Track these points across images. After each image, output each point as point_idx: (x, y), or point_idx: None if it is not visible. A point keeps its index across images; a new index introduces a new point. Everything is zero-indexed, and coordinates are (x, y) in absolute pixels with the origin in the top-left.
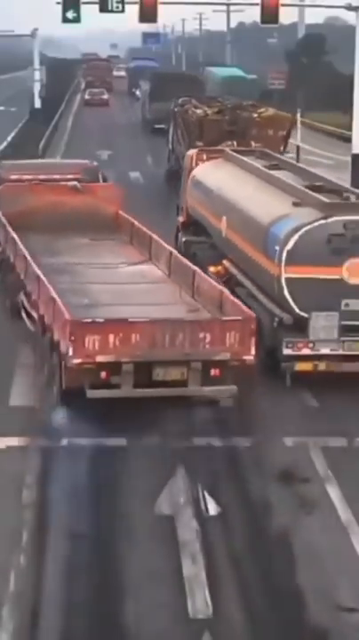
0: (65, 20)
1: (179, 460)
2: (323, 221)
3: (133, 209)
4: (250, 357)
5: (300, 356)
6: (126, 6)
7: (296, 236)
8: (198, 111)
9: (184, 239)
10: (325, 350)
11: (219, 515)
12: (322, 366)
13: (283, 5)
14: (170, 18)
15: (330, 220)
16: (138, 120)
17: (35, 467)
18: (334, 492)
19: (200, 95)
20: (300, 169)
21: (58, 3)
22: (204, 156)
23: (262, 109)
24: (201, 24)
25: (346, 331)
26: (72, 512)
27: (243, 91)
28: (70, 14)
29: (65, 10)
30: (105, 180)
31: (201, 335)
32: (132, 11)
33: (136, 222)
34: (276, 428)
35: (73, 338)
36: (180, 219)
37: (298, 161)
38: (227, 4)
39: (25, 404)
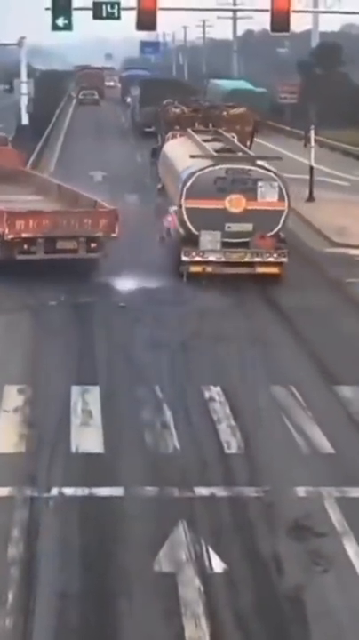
0: (55, 27)
1: (181, 511)
2: (211, 168)
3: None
4: (114, 234)
5: (193, 262)
6: (122, 12)
7: (192, 178)
8: (176, 110)
9: (157, 201)
10: (212, 258)
11: (225, 572)
12: (209, 269)
13: (294, 12)
14: (170, 25)
15: (216, 167)
16: (129, 131)
17: (22, 519)
18: (352, 549)
19: (184, 98)
20: (228, 139)
21: (47, 9)
22: (172, 136)
23: (234, 109)
24: (204, 32)
25: (227, 245)
26: (62, 568)
27: (250, 105)
28: (61, 21)
29: (55, 17)
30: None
31: (85, 220)
32: (129, 17)
33: (39, 174)
34: (287, 476)
35: (8, 222)
36: (158, 185)
37: (311, 184)
38: (234, 10)
39: (10, 450)
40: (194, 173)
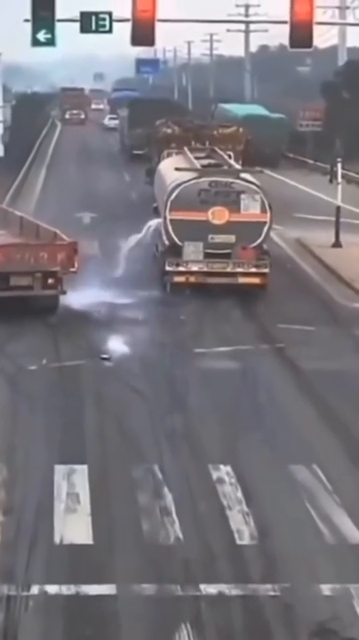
0: (35, 42)
1: (184, 613)
2: (195, 180)
3: None
4: (73, 269)
5: (177, 272)
6: (115, 25)
7: (176, 190)
8: (168, 130)
9: (151, 221)
10: (195, 268)
11: None
12: (192, 279)
13: (318, 24)
14: (171, 40)
15: (200, 179)
16: (119, 157)
17: None
18: None
19: (181, 118)
20: (220, 156)
21: (26, 20)
22: (167, 154)
23: (225, 128)
24: (212, 48)
25: (210, 256)
26: None
27: (266, 133)
28: (42, 35)
29: (35, 30)
30: None
31: (41, 254)
32: (123, 31)
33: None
34: (309, 571)
35: None
36: (154, 205)
37: (337, 226)
38: (246, 22)
39: None
40: (178, 185)
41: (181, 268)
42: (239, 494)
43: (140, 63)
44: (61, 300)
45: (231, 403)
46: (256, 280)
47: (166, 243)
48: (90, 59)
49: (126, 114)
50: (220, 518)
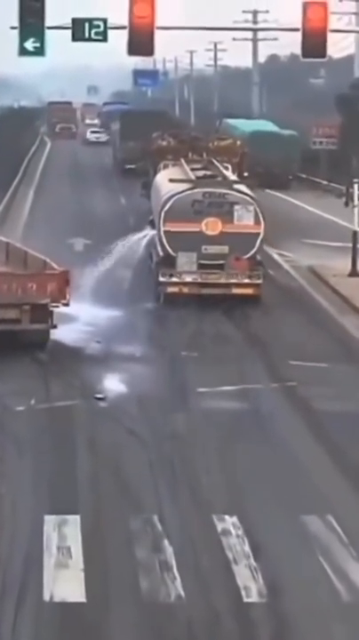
0: (23, 52)
1: None
2: (189, 191)
3: None
4: (64, 301)
5: (170, 282)
6: (110, 33)
7: (170, 201)
8: (163, 142)
9: (149, 233)
10: (188, 279)
11: None
12: (185, 289)
13: (333, 31)
14: (172, 49)
15: (194, 190)
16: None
17: None
18: None
19: (179, 131)
20: (216, 168)
21: (13, 28)
22: (164, 165)
23: (221, 140)
24: (216, 58)
25: (203, 267)
26: None
27: (276, 152)
28: (30, 44)
29: (23, 38)
30: None
31: (29, 285)
32: (119, 39)
33: None
34: (323, 632)
35: None
36: (150, 217)
37: (354, 254)
38: (254, 29)
39: None
40: (172, 197)
41: (175, 279)
42: (246, 547)
43: (138, 75)
44: (52, 334)
45: (237, 447)
46: (249, 291)
47: (160, 253)
48: (83, 70)
49: (118, 127)
50: (226, 574)
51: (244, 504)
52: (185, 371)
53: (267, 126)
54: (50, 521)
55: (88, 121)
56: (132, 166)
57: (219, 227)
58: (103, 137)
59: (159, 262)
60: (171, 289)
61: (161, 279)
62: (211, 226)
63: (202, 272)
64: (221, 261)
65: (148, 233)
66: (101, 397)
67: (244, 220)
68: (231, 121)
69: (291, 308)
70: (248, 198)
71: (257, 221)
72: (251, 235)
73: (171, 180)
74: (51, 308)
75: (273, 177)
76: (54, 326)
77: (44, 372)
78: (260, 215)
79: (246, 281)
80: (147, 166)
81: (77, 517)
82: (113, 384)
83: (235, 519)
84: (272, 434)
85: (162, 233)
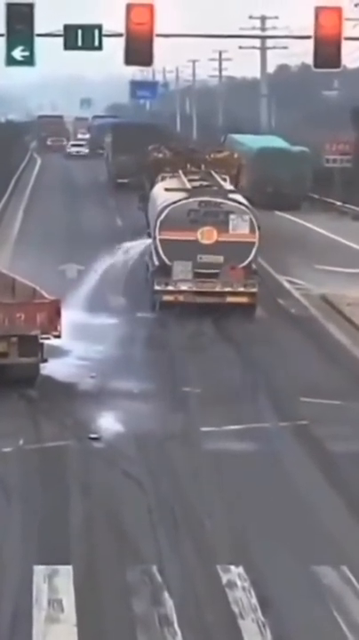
0: (11, 61)
1: None
2: (184, 201)
3: None
4: (56, 333)
5: (166, 291)
6: (106, 40)
7: (166, 210)
8: (159, 155)
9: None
10: (184, 287)
11: None
12: (181, 298)
13: (347, 39)
14: (173, 58)
15: (189, 199)
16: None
17: None
18: None
19: (177, 143)
20: (213, 179)
21: None
22: (161, 177)
23: (218, 153)
24: (221, 68)
25: (198, 275)
26: None
27: (286, 170)
28: (19, 53)
29: (10, 46)
30: None
31: (17, 315)
32: (115, 47)
33: None
34: None
35: None
36: (148, 230)
37: None
38: (263, 37)
39: None
40: (167, 206)
41: (170, 288)
42: (253, 601)
43: (136, 86)
44: (42, 368)
45: (243, 491)
46: (244, 299)
47: (156, 262)
48: (75, 81)
49: (110, 140)
50: (231, 630)
51: (251, 553)
52: (187, 408)
53: (277, 142)
54: (40, 572)
55: (80, 136)
56: (125, 180)
57: (215, 236)
58: (83, 150)
59: (155, 271)
60: (166, 297)
61: (156, 288)
62: (207, 235)
63: (197, 280)
64: (216, 270)
65: (144, 242)
66: (96, 437)
67: (240, 229)
68: (237, 136)
69: (301, 339)
70: (243, 207)
71: (252, 230)
72: (247, 244)
73: (167, 190)
74: (42, 340)
75: (282, 197)
76: (45, 360)
77: (34, 410)
78: (256, 224)
79: (241, 289)
80: (142, 180)
81: (69, 568)
82: (108, 423)
83: (241, 570)
84: (281, 477)
85: (157, 242)
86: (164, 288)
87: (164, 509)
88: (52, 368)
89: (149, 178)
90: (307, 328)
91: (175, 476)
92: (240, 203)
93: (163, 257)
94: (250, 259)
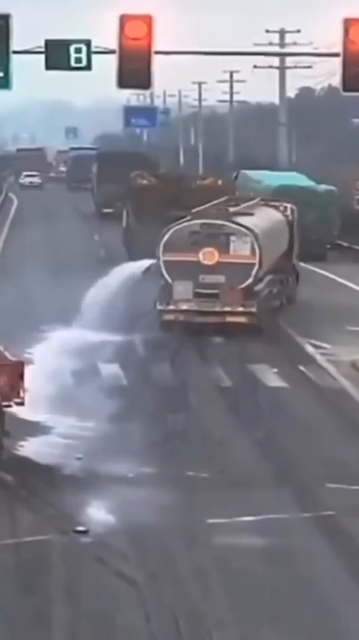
0: None
1: None
2: (187, 223)
3: None
4: (18, 400)
5: (167, 310)
6: (95, 59)
7: (169, 232)
8: (144, 181)
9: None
10: (184, 307)
11: None
12: (181, 317)
13: None
14: (175, 80)
15: (192, 222)
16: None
17: None
18: None
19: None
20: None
21: None
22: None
23: (208, 180)
24: (232, 91)
25: (199, 295)
26: None
27: (310, 212)
28: None
29: None
30: None
31: None
32: (106, 67)
33: None
34: None
35: None
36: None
37: None
38: (281, 55)
39: None
40: (170, 228)
41: (171, 307)
42: None
43: (131, 113)
44: (19, 449)
45: (258, 597)
46: (243, 319)
47: (161, 283)
48: (60, 107)
49: (95, 170)
50: None
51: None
52: (191, 496)
53: (298, 180)
54: None
55: (62, 168)
56: (110, 210)
57: (216, 257)
58: (37, 180)
59: (159, 291)
60: (167, 316)
61: (159, 307)
62: (208, 256)
63: (197, 300)
64: (217, 290)
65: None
66: (83, 531)
67: (240, 250)
68: (251, 173)
69: (328, 416)
70: (244, 230)
71: (253, 252)
72: (247, 265)
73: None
74: (3, 409)
75: (306, 245)
76: (6, 433)
77: (9, 498)
78: (257, 246)
79: (240, 309)
80: (126, 207)
81: None
82: (98, 514)
83: None
84: (303, 579)
85: (161, 262)
86: (166, 307)
87: (165, 618)
88: (30, 448)
89: (133, 205)
90: (334, 401)
91: (177, 578)
92: (241, 225)
93: (167, 277)
94: (251, 280)
